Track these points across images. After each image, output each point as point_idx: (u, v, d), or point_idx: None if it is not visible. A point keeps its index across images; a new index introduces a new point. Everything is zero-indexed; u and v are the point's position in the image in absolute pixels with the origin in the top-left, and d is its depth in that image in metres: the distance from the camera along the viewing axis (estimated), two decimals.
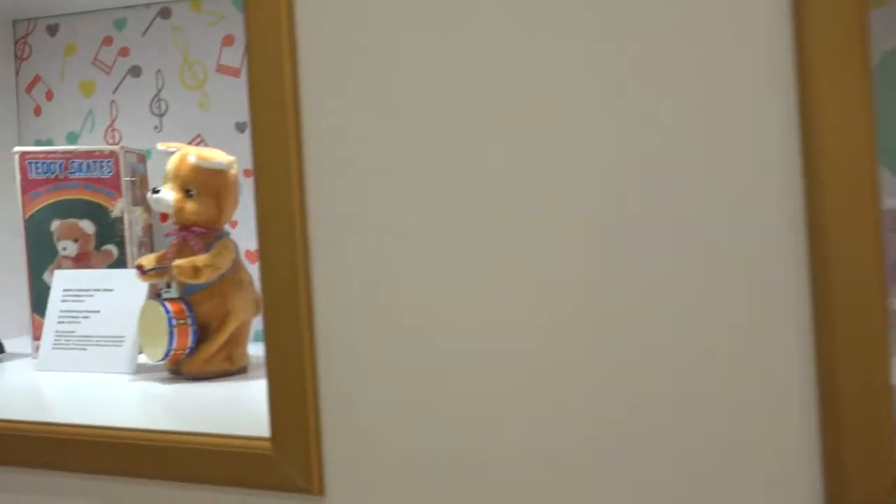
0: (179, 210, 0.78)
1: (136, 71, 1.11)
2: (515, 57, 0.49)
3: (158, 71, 1.10)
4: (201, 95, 1.08)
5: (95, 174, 0.95)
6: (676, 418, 0.46)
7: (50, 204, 0.94)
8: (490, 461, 0.50)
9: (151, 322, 0.77)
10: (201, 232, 0.80)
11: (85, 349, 0.85)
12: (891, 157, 0.73)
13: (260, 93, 0.54)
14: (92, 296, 0.86)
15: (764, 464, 0.44)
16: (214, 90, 1.07)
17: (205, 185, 0.79)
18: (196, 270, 0.76)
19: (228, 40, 1.06)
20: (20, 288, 1.10)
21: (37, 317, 0.94)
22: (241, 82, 1.06)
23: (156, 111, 1.10)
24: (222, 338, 0.79)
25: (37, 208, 0.94)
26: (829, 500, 0.42)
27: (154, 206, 0.78)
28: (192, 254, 0.79)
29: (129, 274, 0.86)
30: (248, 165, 1.05)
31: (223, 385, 0.76)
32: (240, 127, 1.06)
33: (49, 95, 1.15)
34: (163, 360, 0.77)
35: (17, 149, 0.93)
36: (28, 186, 0.93)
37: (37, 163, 0.94)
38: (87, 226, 0.95)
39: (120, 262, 0.95)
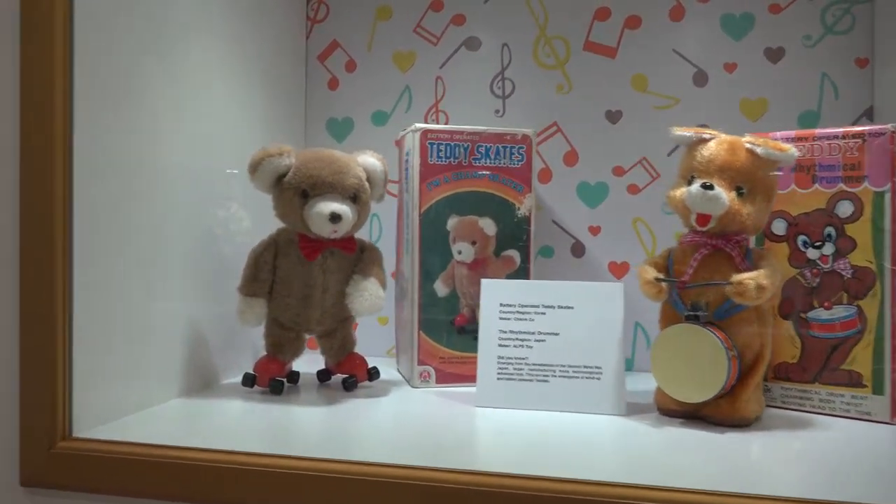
0: (734, 213, 0.61)
1: (473, 43, 0.93)
2: None
3: (504, 45, 0.93)
4: (561, 77, 0.91)
5: (503, 162, 0.77)
6: None
7: (449, 196, 0.76)
8: None
9: (690, 351, 0.60)
10: (742, 241, 0.63)
11: (547, 381, 0.67)
12: None
13: None
14: (544, 313, 0.68)
15: None
16: (578, 71, 0.91)
17: (761, 181, 0.62)
18: (761, 290, 0.59)
19: (602, 13, 0.90)
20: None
21: (423, 336, 0.75)
22: (616, 64, 0.89)
23: (497, 92, 0.93)
24: (759, 375, 0.63)
25: (434, 200, 0.75)
26: None
27: (697, 206, 0.61)
28: (724, 266, 0.62)
29: (593, 288, 0.69)
30: (619, 162, 0.89)
31: (773, 436, 0.59)
32: (610, 116, 0.89)
33: (350, 66, 0.97)
34: (708, 399, 0.60)
35: (419, 125, 0.75)
36: (427, 173, 0.75)
37: (440, 144, 0.75)
38: (488, 225, 0.76)
39: (522, 272, 0.77)
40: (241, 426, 0.61)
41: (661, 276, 0.64)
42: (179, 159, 0.68)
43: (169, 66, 0.66)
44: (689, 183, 0.63)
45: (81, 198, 0.56)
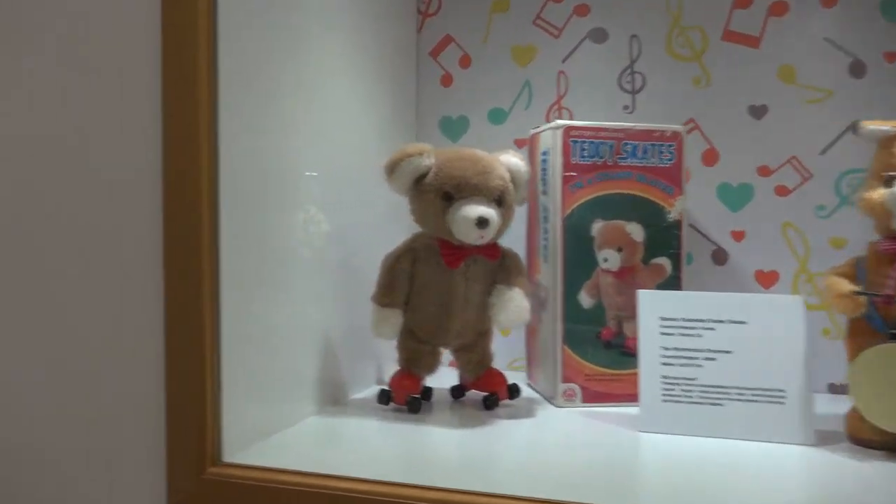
0: None
1: (598, 35, 0.87)
2: None
3: (633, 36, 0.86)
4: (698, 69, 0.84)
5: (652, 161, 0.70)
6: None
7: (592, 199, 0.69)
8: None
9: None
10: None
11: (720, 405, 0.60)
12: None
13: None
14: (712, 329, 0.61)
15: None
16: (717, 63, 0.83)
17: None
18: None
19: (742, 1, 0.82)
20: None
21: (567, 350, 0.69)
22: (760, 54, 0.82)
23: (626, 87, 0.86)
24: None
25: (577, 204, 0.69)
26: None
27: (892, 204, 0.54)
28: None
29: (769, 301, 0.62)
30: (765, 161, 0.81)
31: None
32: (754, 111, 0.82)
33: (465, 62, 0.91)
34: None
35: (561, 122, 0.69)
36: (570, 173, 0.69)
37: (583, 142, 0.69)
38: (636, 231, 0.70)
39: (672, 282, 0.70)
40: (385, 451, 0.56)
41: (858, 288, 0.56)
42: (309, 159, 0.63)
43: (297, 62, 0.62)
44: (888, 183, 0.56)
45: (225, 203, 0.51)
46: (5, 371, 0.56)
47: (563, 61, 0.88)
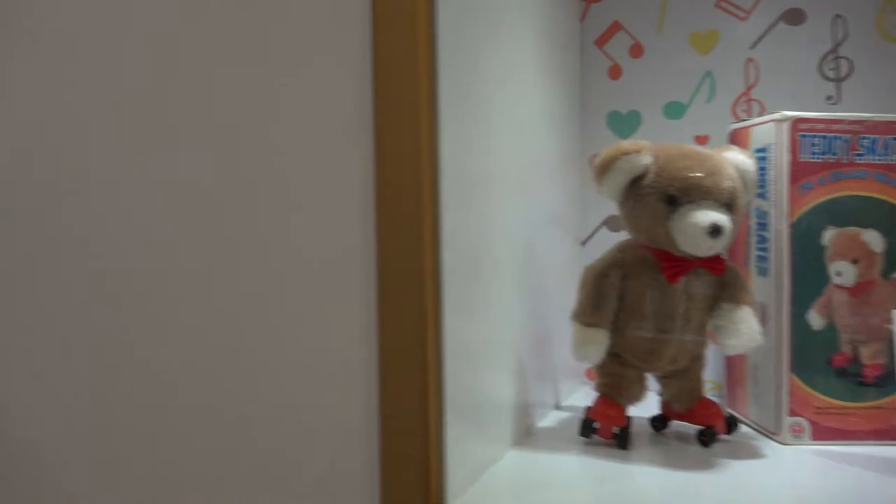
0: None
1: (794, 16, 0.77)
2: None
3: (837, 16, 0.75)
4: None
5: (893, 159, 0.60)
6: None
7: (823, 202, 0.60)
8: None
9: None
10: None
11: None
12: None
13: None
14: None
15: None
16: None
17: None
18: None
19: None
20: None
21: (796, 379, 0.60)
22: None
23: (830, 74, 0.76)
24: None
25: (805, 209, 0.60)
26: None
27: None
28: None
29: None
30: None
31: None
32: None
33: (636, 51, 0.82)
34: None
35: (788, 113, 0.60)
36: (798, 173, 0.60)
37: (814, 137, 0.60)
38: (874, 239, 0.60)
39: None
40: (604, 497, 0.48)
41: None
42: (499, 161, 0.56)
43: (494, 48, 0.55)
44: None
45: (447, 202, 0.44)
46: (200, 399, 0.50)
47: (752, 47, 0.78)
